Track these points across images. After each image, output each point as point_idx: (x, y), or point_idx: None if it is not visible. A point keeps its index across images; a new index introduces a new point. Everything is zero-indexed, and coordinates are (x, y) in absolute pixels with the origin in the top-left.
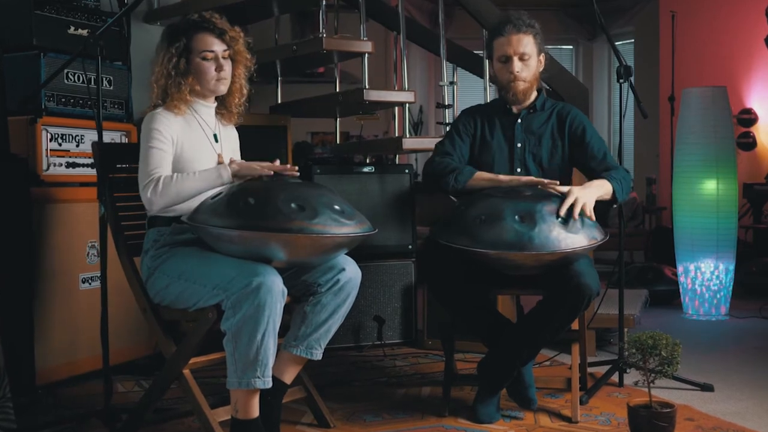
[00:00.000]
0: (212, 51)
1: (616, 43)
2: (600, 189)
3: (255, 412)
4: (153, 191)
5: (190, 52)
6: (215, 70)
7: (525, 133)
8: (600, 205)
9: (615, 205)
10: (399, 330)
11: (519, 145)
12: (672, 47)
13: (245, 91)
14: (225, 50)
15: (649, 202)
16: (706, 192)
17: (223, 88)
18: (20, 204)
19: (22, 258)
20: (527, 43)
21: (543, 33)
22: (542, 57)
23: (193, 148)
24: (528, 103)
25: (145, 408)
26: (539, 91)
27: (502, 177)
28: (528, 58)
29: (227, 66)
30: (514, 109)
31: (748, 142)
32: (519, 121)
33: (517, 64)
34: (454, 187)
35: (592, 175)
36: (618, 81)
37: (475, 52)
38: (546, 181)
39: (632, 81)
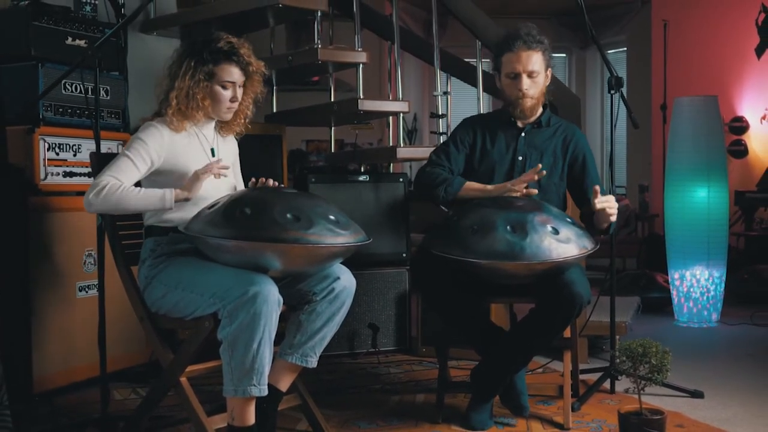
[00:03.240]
0: (233, 82)
1: (609, 52)
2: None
3: (251, 419)
4: (96, 194)
5: (213, 77)
6: (230, 100)
7: (528, 147)
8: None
9: (605, 236)
10: (393, 337)
11: (520, 158)
12: (664, 56)
13: (249, 113)
14: (243, 81)
15: (641, 210)
16: (697, 200)
17: (230, 116)
18: (18, 213)
19: (19, 266)
20: (536, 61)
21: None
22: (549, 71)
23: (189, 161)
24: (534, 119)
25: (142, 415)
26: (544, 106)
27: (490, 187)
28: (537, 75)
29: (240, 94)
30: (519, 123)
31: (740, 150)
32: (523, 134)
33: (525, 82)
34: (444, 198)
35: (581, 198)
36: (609, 92)
37: (468, 60)
38: (527, 177)
39: (623, 92)
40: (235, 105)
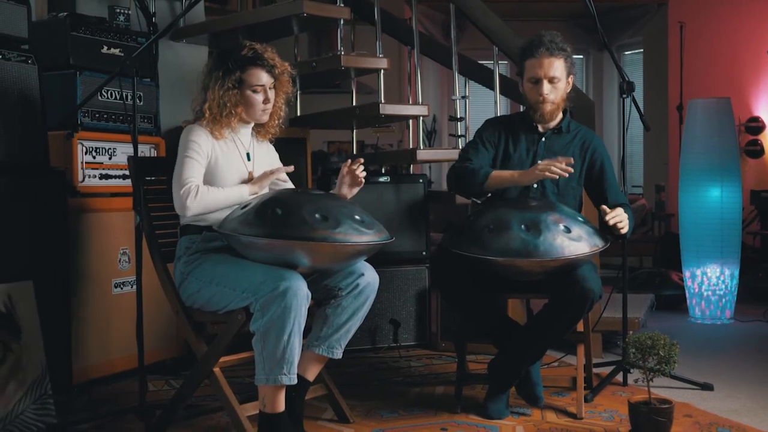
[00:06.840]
0: (262, 85)
1: (626, 53)
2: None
3: (281, 406)
4: (191, 198)
5: (242, 84)
6: (263, 102)
7: (548, 152)
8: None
9: (620, 240)
10: (413, 332)
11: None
12: (680, 57)
13: (282, 114)
14: (272, 82)
15: (658, 209)
16: (710, 200)
17: (266, 118)
18: (59, 213)
19: (60, 264)
20: (558, 67)
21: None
22: (571, 78)
23: (226, 164)
24: (554, 124)
25: (178, 404)
26: (564, 112)
27: (517, 174)
28: (558, 81)
29: (272, 96)
30: (540, 128)
31: (756, 150)
32: (543, 140)
33: (546, 87)
34: (473, 189)
35: (600, 201)
36: (621, 96)
37: (485, 63)
38: (560, 160)
39: (637, 95)
40: (269, 106)
